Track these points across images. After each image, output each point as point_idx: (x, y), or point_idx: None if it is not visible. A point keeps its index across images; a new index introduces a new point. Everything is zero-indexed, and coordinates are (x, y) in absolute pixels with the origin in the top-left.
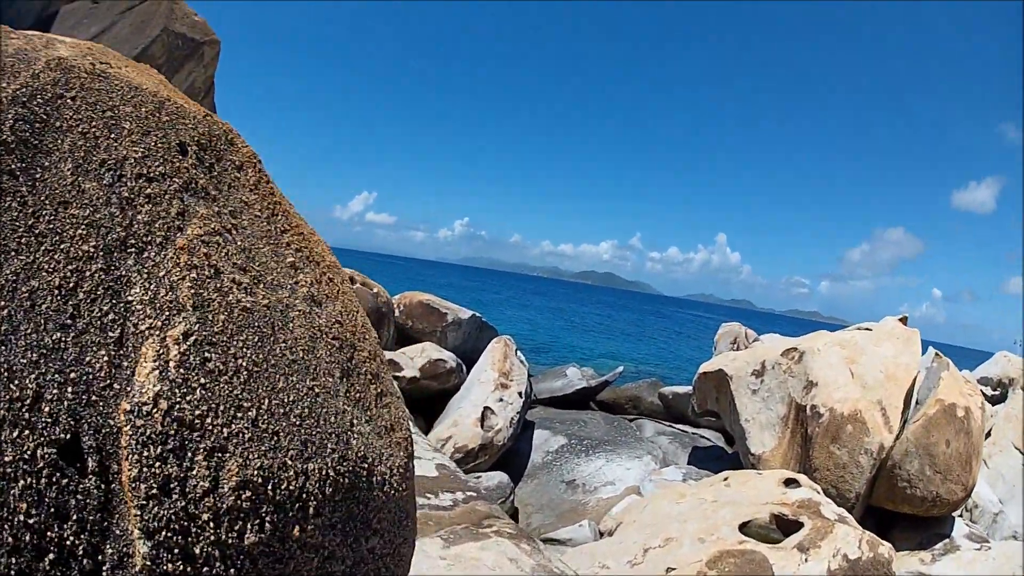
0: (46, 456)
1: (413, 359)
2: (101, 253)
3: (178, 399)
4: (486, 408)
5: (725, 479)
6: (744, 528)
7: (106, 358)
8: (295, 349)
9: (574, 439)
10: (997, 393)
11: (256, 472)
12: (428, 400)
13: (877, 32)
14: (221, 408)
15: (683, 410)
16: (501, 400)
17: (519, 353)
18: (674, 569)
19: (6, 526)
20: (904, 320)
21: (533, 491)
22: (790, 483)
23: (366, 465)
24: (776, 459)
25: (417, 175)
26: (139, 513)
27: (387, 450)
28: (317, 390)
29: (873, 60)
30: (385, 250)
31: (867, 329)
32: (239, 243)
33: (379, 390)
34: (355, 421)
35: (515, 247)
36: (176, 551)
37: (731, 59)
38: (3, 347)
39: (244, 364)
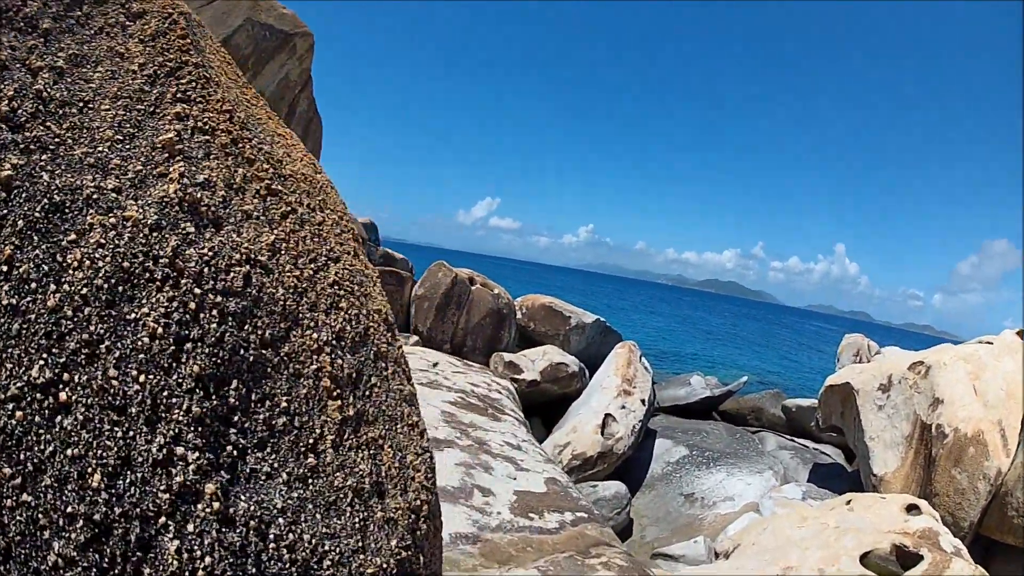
0: None
1: (534, 361)
2: None
3: None
4: (607, 415)
5: (848, 502)
6: (864, 560)
7: None
8: None
9: (695, 450)
10: None
11: None
12: (548, 404)
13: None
14: None
15: (805, 424)
16: (623, 407)
17: (643, 359)
18: None
19: None
20: (1020, 334)
21: (650, 503)
22: (911, 509)
23: None
24: (898, 481)
25: (542, 181)
26: None
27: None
28: None
29: (997, 67)
30: (509, 254)
31: (988, 343)
32: None
33: None
34: None
35: (639, 254)
36: None
37: (856, 67)
38: None
39: None
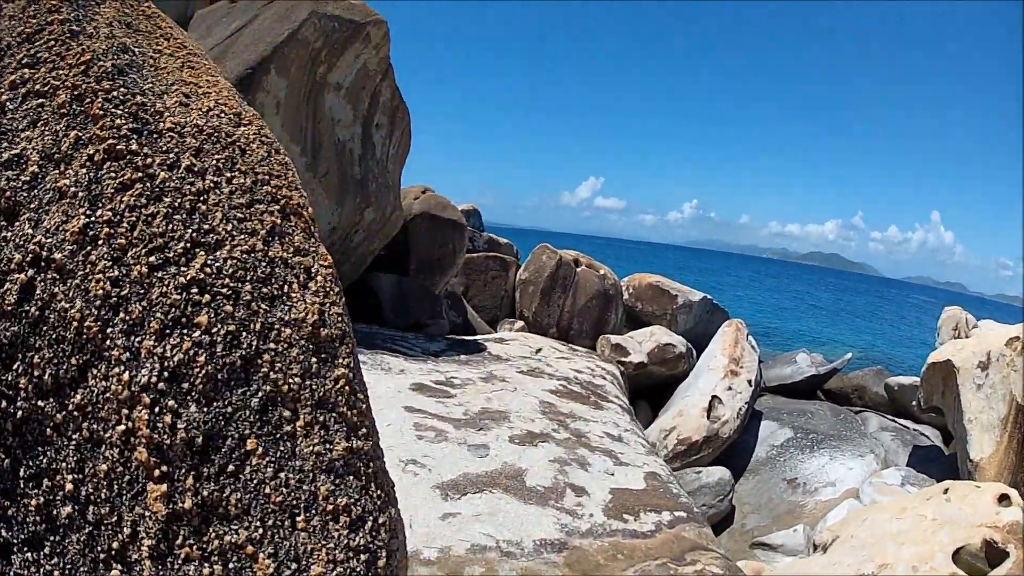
0: None
1: (641, 343)
2: None
3: None
4: (714, 397)
5: (945, 491)
6: (956, 556)
7: None
8: None
9: (800, 432)
10: None
11: None
12: (655, 387)
13: None
14: None
15: (907, 403)
16: (730, 388)
17: (751, 338)
18: None
19: None
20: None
21: (753, 489)
22: (1003, 500)
23: None
24: (992, 467)
25: (645, 159)
26: None
27: None
28: None
29: None
30: (615, 234)
31: None
32: None
33: None
34: None
35: (744, 228)
36: None
37: (950, 26)
38: None
39: None
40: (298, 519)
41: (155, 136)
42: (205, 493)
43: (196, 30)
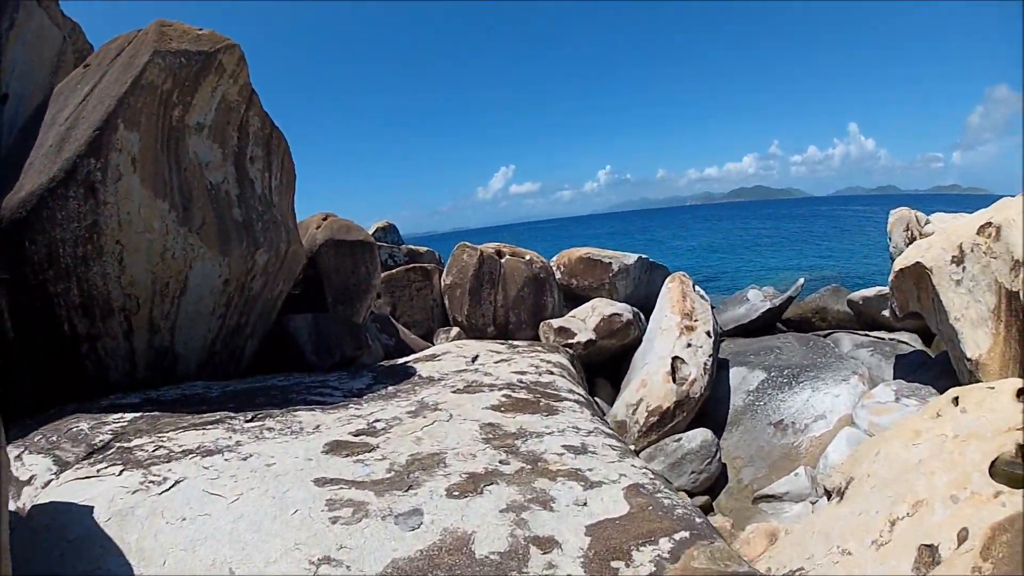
0: None
1: (585, 320)
2: None
3: None
4: (675, 358)
5: (955, 400)
6: (992, 470)
7: None
8: None
9: (773, 371)
10: None
11: None
12: (610, 360)
13: None
14: None
15: (875, 315)
16: (689, 345)
17: (697, 288)
18: (932, 547)
19: None
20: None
21: (739, 440)
22: (1021, 395)
23: None
24: (994, 361)
25: (552, 138)
26: None
27: None
28: None
29: None
30: (535, 217)
31: None
32: None
33: None
34: None
35: (662, 182)
36: None
37: None
38: None
39: None
40: None
41: None
42: None
43: (54, 107)
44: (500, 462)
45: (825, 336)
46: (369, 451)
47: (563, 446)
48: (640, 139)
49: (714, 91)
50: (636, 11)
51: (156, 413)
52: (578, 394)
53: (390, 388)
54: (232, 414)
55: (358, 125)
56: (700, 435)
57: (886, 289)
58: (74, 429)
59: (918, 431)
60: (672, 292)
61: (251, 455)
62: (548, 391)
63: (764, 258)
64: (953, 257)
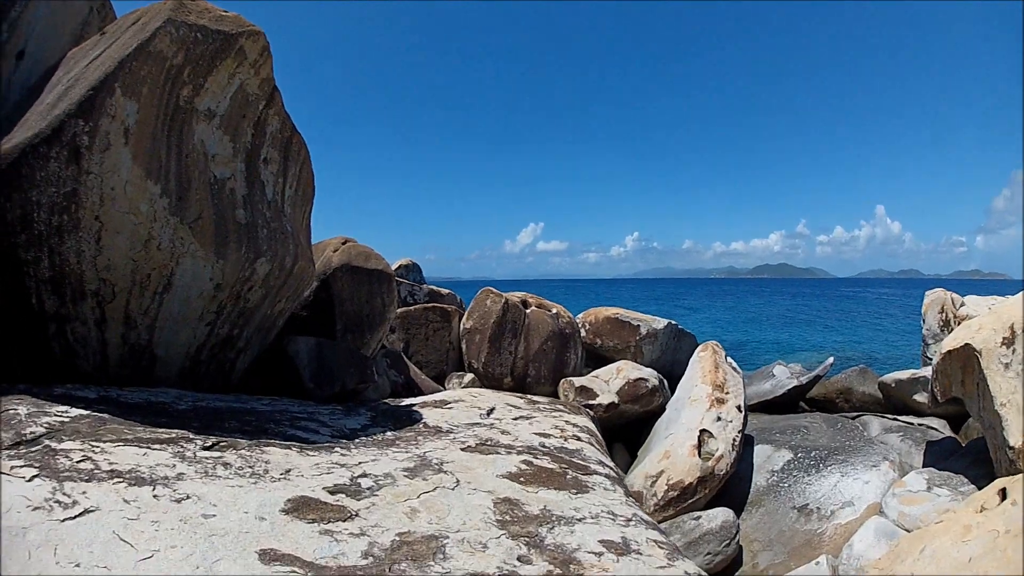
0: None
1: (608, 382)
2: None
3: None
4: (703, 431)
5: (1002, 491)
6: None
7: None
8: None
9: (800, 451)
10: None
11: None
12: (630, 426)
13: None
14: None
15: (905, 398)
16: (719, 419)
17: (729, 359)
18: None
19: None
20: None
21: (759, 523)
22: None
23: None
24: None
25: (582, 199)
26: None
27: None
28: None
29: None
30: (560, 275)
31: None
32: None
33: None
34: None
35: (688, 253)
36: None
37: (858, 22)
38: None
39: None
40: None
41: None
42: None
43: (63, 69)
44: (519, 559)
45: (853, 418)
46: (345, 519)
47: (600, 541)
48: (669, 208)
49: (747, 166)
50: (674, 78)
51: (105, 415)
52: (609, 467)
53: (388, 434)
54: (191, 435)
55: (392, 161)
56: (721, 515)
57: (920, 372)
58: (10, 412)
59: (968, 526)
60: (704, 361)
61: (189, 497)
62: (575, 461)
63: (788, 335)
64: (1004, 339)
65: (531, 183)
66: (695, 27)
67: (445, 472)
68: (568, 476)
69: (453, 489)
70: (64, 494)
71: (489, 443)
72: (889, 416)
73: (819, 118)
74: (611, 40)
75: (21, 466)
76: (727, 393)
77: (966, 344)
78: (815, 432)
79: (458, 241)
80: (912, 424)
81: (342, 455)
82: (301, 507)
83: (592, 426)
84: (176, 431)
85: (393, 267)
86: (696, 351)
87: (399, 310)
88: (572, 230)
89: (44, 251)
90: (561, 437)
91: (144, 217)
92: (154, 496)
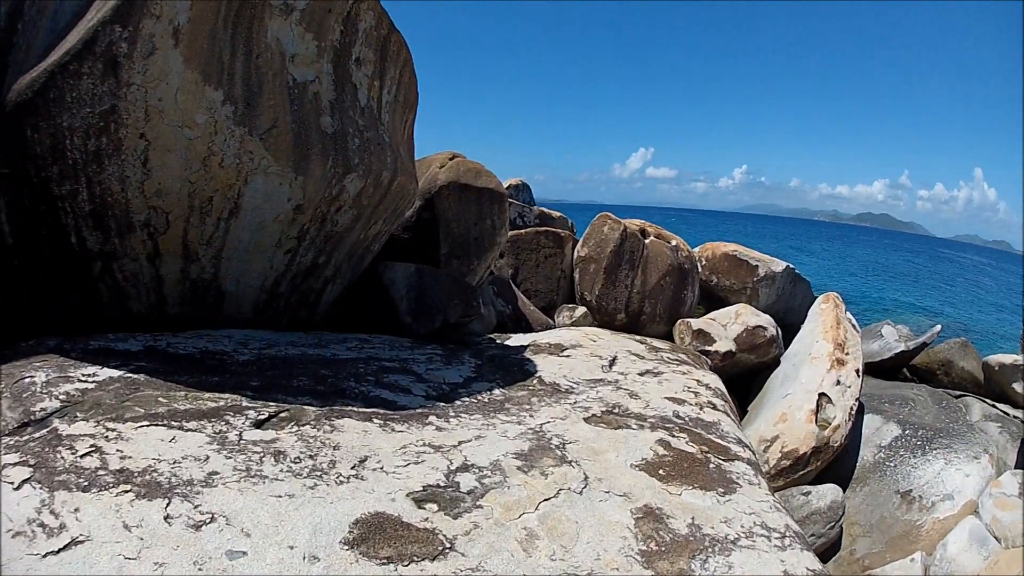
0: None
1: (726, 327)
2: None
3: None
4: (821, 395)
5: None
6: None
7: None
8: None
9: (908, 428)
10: None
11: None
12: (742, 376)
13: None
14: None
15: (1004, 385)
16: (838, 383)
17: (849, 314)
18: None
19: None
20: None
21: (862, 504)
22: None
23: None
24: None
25: (695, 127)
26: None
27: None
28: None
29: None
30: (668, 203)
31: None
32: None
33: None
34: None
35: (794, 191)
36: None
37: None
38: None
39: None
40: None
41: None
42: None
43: None
44: None
45: (956, 398)
46: (435, 556)
47: None
48: (778, 143)
49: (859, 108)
50: (787, 13)
51: (142, 377)
52: (748, 449)
53: (496, 392)
54: (244, 402)
55: (505, 76)
56: (831, 493)
57: (1021, 359)
58: (27, 380)
59: None
60: (825, 315)
61: (214, 518)
62: (714, 440)
63: (893, 290)
64: None
65: (643, 106)
66: None
67: (569, 463)
68: (711, 465)
69: (581, 493)
70: (52, 512)
71: (617, 411)
72: (989, 401)
73: (926, 64)
74: None
75: (15, 463)
76: (847, 354)
77: None
78: (921, 407)
79: (568, 162)
80: (1008, 415)
81: (438, 429)
82: (373, 533)
83: (723, 388)
84: (227, 395)
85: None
86: (817, 302)
87: (509, 233)
88: (682, 158)
89: (81, 182)
90: (696, 404)
91: (202, 130)
92: (166, 518)
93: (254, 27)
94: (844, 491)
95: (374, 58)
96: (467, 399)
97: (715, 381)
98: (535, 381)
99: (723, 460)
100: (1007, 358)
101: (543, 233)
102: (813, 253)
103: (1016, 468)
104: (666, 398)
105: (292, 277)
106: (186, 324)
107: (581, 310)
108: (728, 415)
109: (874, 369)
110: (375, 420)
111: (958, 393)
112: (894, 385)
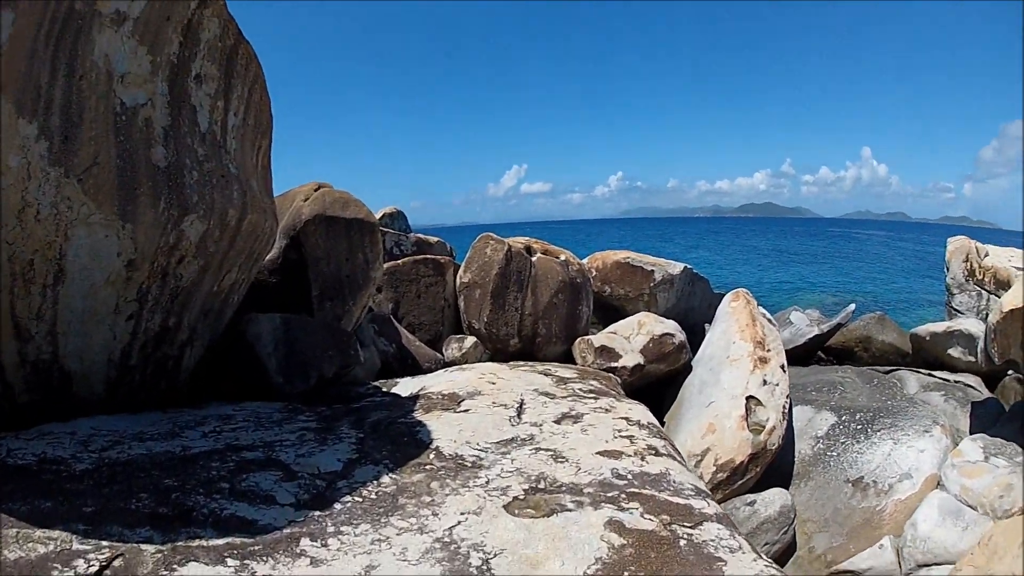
0: None
1: (630, 339)
2: None
3: None
4: (749, 398)
5: None
6: None
7: None
8: None
9: (843, 413)
10: None
11: None
12: (651, 387)
13: None
14: None
15: (940, 353)
16: (765, 382)
17: (762, 309)
18: None
19: None
20: None
21: (811, 499)
22: None
23: None
24: None
25: (565, 139)
26: None
27: None
28: None
29: None
30: (545, 217)
31: None
32: None
33: None
34: None
35: (673, 192)
36: None
37: None
38: None
39: None
40: None
41: None
42: None
43: None
44: None
45: (887, 373)
46: None
47: None
48: (653, 147)
49: (730, 103)
50: (653, 16)
51: None
52: (707, 497)
53: (386, 480)
54: (77, 542)
55: (373, 106)
56: (779, 498)
57: (955, 325)
58: None
59: None
60: (738, 314)
61: None
62: (673, 501)
63: (789, 274)
64: None
65: (514, 124)
66: None
67: None
68: (682, 542)
69: None
70: None
71: (544, 485)
72: (924, 372)
73: (801, 54)
74: None
75: None
76: (769, 351)
77: None
78: (852, 389)
79: (443, 186)
80: (949, 382)
81: (313, 562)
82: None
83: (652, 418)
84: (58, 533)
85: (377, 216)
86: (726, 300)
87: (386, 264)
88: (556, 171)
89: None
90: (635, 454)
91: (15, 175)
92: None
93: (80, 42)
94: (787, 489)
95: (218, 74)
96: (349, 497)
97: (642, 412)
98: (432, 455)
99: (691, 528)
100: (937, 326)
101: (421, 262)
102: (698, 248)
103: (972, 434)
104: (598, 453)
105: (141, 347)
106: (38, 414)
107: (471, 340)
108: (673, 455)
109: (788, 357)
110: (229, 561)
111: (887, 368)
112: (815, 370)
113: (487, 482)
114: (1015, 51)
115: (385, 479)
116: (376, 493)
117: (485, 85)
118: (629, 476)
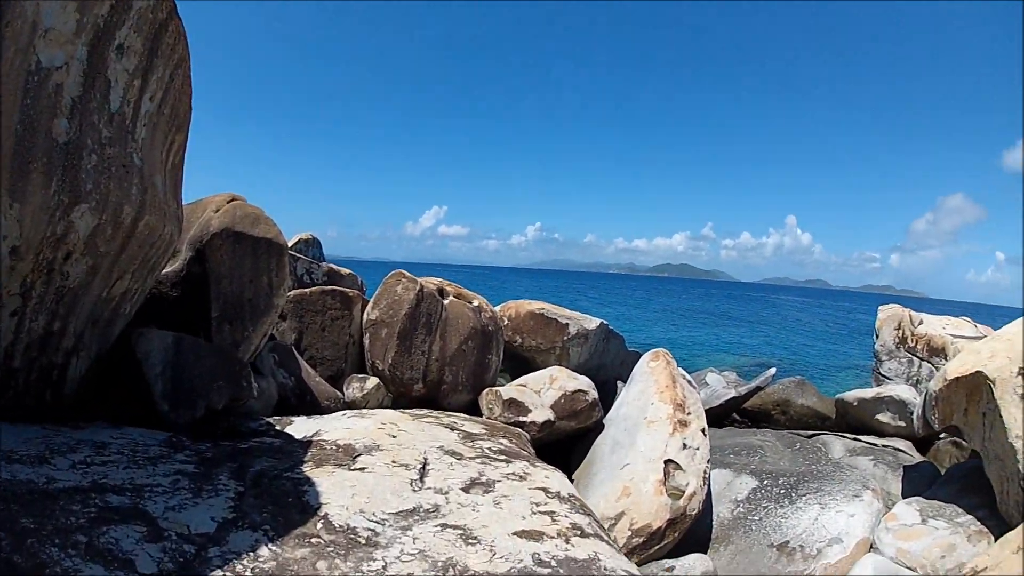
0: None
1: (540, 393)
2: None
3: None
4: (668, 462)
5: None
6: None
7: None
8: None
9: (765, 478)
10: None
11: None
12: (560, 443)
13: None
14: None
15: (866, 418)
16: (685, 447)
17: (682, 370)
18: None
19: None
20: None
21: (732, 564)
22: None
23: None
24: None
25: (487, 185)
26: None
27: None
28: None
29: (908, 40)
30: (460, 260)
31: None
32: None
33: None
34: None
35: (589, 246)
36: None
37: (783, 45)
38: None
39: None
40: None
41: None
42: None
43: None
44: None
45: (809, 438)
46: None
47: None
48: (573, 200)
49: (655, 163)
50: (584, 71)
51: None
52: None
53: (264, 554)
54: None
55: (298, 129)
56: (699, 564)
57: (884, 392)
58: None
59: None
60: (657, 374)
61: None
62: None
63: (706, 335)
64: (1021, 368)
65: (438, 162)
66: (605, 16)
67: None
68: None
69: None
70: None
71: (454, 575)
72: (850, 436)
73: (729, 122)
74: (523, 26)
75: None
76: (689, 414)
77: (977, 372)
78: (772, 453)
79: (361, 219)
80: (877, 446)
81: None
82: None
83: (571, 487)
84: None
85: (292, 241)
86: (644, 360)
87: (293, 292)
88: (475, 216)
89: None
90: (558, 535)
91: None
92: None
93: None
94: (705, 553)
95: (141, 48)
96: (220, 573)
97: (560, 481)
98: (320, 524)
99: None
100: (865, 392)
101: (329, 293)
102: (612, 305)
103: (905, 497)
104: (515, 534)
105: (25, 348)
106: None
107: (373, 381)
108: (600, 535)
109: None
110: None
111: (810, 433)
112: (732, 432)
113: (384, 567)
114: (951, 122)
115: (264, 551)
116: (252, 570)
117: (412, 119)
118: (553, 563)
